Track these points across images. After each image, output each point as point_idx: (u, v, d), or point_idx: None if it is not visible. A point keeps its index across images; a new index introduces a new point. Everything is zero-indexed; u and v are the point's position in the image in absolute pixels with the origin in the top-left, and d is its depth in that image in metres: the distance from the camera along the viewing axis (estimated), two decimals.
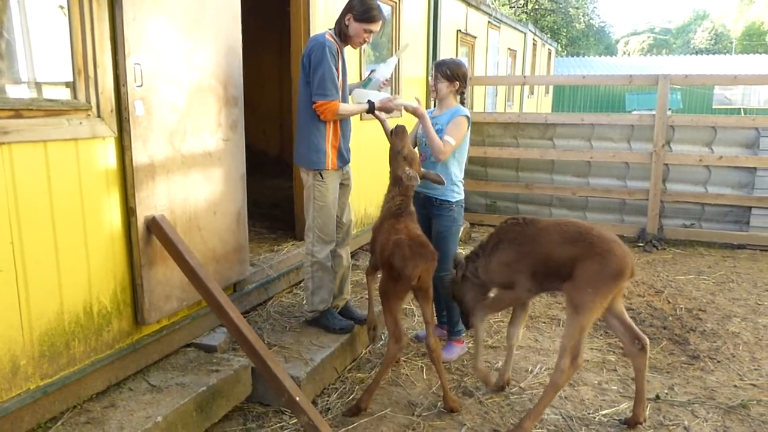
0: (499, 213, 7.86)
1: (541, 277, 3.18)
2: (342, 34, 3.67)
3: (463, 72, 4.00)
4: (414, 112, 3.82)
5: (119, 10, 2.80)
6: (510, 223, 3.34)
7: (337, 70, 3.57)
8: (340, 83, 3.63)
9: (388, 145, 3.67)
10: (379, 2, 3.69)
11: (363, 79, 3.95)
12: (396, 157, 3.60)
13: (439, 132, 3.86)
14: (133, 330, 3.11)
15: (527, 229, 3.25)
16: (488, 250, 3.38)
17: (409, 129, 3.87)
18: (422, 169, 3.68)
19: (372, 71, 3.89)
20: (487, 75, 11.67)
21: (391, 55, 3.71)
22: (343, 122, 3.76)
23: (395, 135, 3.61)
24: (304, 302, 4.07)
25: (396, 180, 3.61)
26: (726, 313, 4.91)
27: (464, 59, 10.49)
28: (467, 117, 3.92)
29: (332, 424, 3.20)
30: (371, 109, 3.67)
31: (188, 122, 3.30)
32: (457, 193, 3.99)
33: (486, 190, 8.00)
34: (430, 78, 4.17)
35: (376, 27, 3.65)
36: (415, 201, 4.14)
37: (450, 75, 3.95)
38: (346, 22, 3.62)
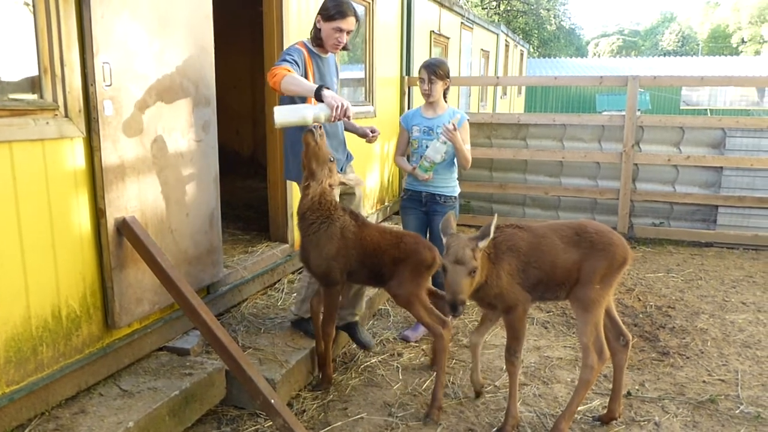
0: (473, 213, 7.90)
1: (543, 288, 3.05)
2: (316, 38, 3.58)
3: (449, 69, 4.15)
4: (452, 140, 3.94)
5: (86, 8, 2.74)
6: (508, 229, 3.10)
7: (307, 70, 3.51)
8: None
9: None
10: (352, 2, 3.62)
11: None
12: (327, 162, 3.31)
13: (440, 135, 4.00)
14: (103, 334, 3.06)
15: (528, 237, 3.06)
16: (490, 263, 3.00)
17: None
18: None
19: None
20: (460, 76, 11.73)
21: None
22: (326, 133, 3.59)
23: (321, 137, 3.26)
24: (292, 306, 3.99)
25: (325, 189, 3.32)
26: (694, 310, 5.01)
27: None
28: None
29: (308, 426, 3.18)
30: (318, 93, 3.13)
31: (159, 122, 3.25)
32: (457, 188, 4.32)
33: (460, 190, 8.03)
34: (420, 83, 4.17)
35: (344, 24, 3.46)
36: (409, 199, 4.27)
37: (443, 74, 4.07)
38: (318, 25, 3.54)
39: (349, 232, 3.35)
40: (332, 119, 3.14)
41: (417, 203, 4.24)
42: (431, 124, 4.13)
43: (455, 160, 4.20)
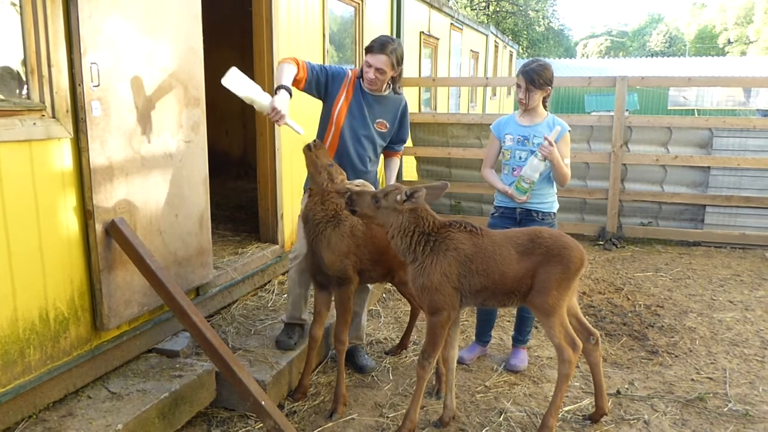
0: (463, 213, 7.92)
1: (487, 294, 2.98)
2: (361, 71, 3.60)
3: (552, 73, 3.65)
4: (549, 157, 3.49)
5: (74, 8, 2.72)
6: (464, 230, 3.00)
7: (339, 93, 3.57)
8: (340, 110, 3.57)
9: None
10: (349, 7, 3.62)
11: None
12: (326, 168, 3.33)
13: (539, 145, 3.55)
14: (91, 336, 3.03)
15: (482, 243, 2.96)
16: (428, 249, 2.95)
17: None
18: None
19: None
20: (450, 76, 11.75)
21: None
22: (341, 148, 3.61)
23: (317, 147, 3.34)
24: (282, 315, 3.95)
25: (327, 191, 3.32)
26: (683, 308, 5.04)
27: (427, 61, 10.55)
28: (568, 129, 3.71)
29: (299, 428, 3.17)
30: (276, 89, 3.22)
31: (148, 123, 3.23)
32: (556, 204, 3.86)
33: (450, 191, 7.98)
34: (515, 88, 3.74)
35: (372, 59, 3.45)
36: (500, 218, 3.83)
37: (542, 83, 3.59)
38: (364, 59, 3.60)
39: (358, 231, 3.35)
40: (265, 115, 3.28)
41: (510, 222, 3.75)
42: (527, 133, 3.68)
43: (551, 174, 3.70)
